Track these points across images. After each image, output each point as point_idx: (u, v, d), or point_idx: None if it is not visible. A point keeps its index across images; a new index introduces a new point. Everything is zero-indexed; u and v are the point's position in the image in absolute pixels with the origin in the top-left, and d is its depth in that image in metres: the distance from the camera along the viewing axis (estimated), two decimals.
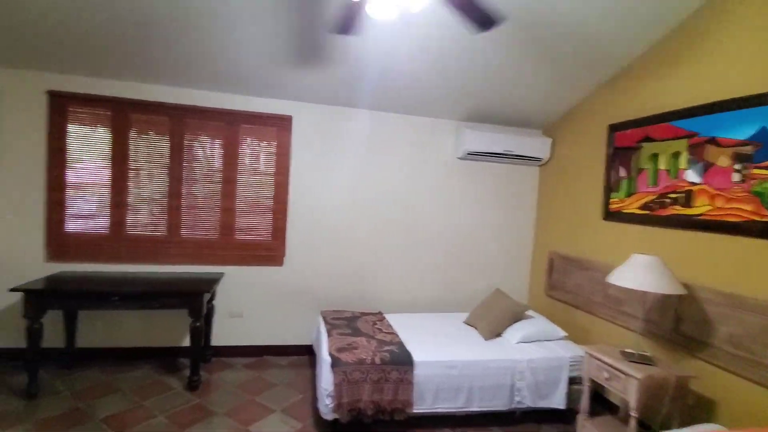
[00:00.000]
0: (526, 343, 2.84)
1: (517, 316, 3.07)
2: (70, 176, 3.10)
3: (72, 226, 3.13)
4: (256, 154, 3.42)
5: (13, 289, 2.55)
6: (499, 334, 2.98)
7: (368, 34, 2.46)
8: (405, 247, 3.72)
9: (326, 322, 3.02)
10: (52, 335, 3.00)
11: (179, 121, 3.23)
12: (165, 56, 2.82)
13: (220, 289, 3.35)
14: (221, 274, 3.29)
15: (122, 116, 3.14)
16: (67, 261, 3.12)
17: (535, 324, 3.03)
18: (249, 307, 3.45)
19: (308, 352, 3.50)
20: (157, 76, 3.07)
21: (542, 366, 2.65)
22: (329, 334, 2.79)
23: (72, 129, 3.09)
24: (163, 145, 3.22)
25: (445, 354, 2.62)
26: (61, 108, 3.05)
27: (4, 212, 2.99)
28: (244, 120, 3.34)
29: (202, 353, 3.07)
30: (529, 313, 3.24)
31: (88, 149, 3.13)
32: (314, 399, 2.68)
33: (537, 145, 3.66)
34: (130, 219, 3.21)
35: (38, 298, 2.58)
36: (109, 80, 3.10)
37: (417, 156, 3.69)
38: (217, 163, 3.33)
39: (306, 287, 3.54)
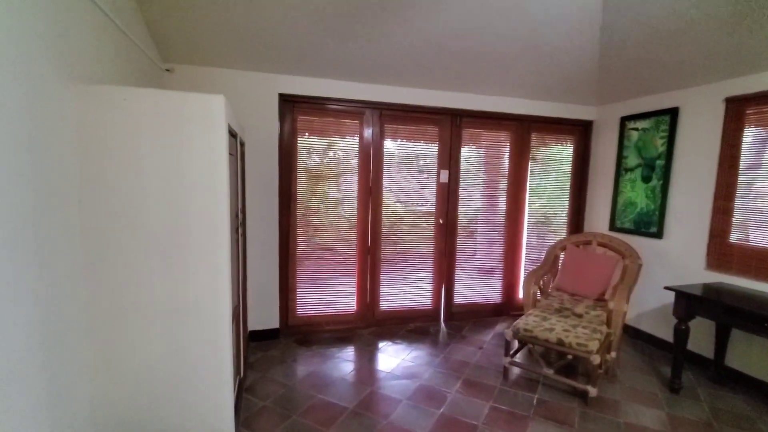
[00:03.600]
0: None
1: None
2: (742, 184, 2.91)
3: (737, 236, 2.93)
4: None
5: (666, 288, 2.84)
6: None
7: None
8: None
9: None
10: (702, 343, 3.03)
11: None
12: None
13: None
14: None
15: None
16: (729, 273, 2.96)
17: None
18: None
19: None
20: None
21: None
22: None
23: (748, 132, 2.88)
24: None
25: None
26: (738, 112, 2.92)
27: (681, 216, 3.33)
28: None
29: None
30: None
31: (765, 153, 2.78)
32: None
33: None
34: None
35: (687, 302, 2.70)
36: None
37: None
38: None
39: None
